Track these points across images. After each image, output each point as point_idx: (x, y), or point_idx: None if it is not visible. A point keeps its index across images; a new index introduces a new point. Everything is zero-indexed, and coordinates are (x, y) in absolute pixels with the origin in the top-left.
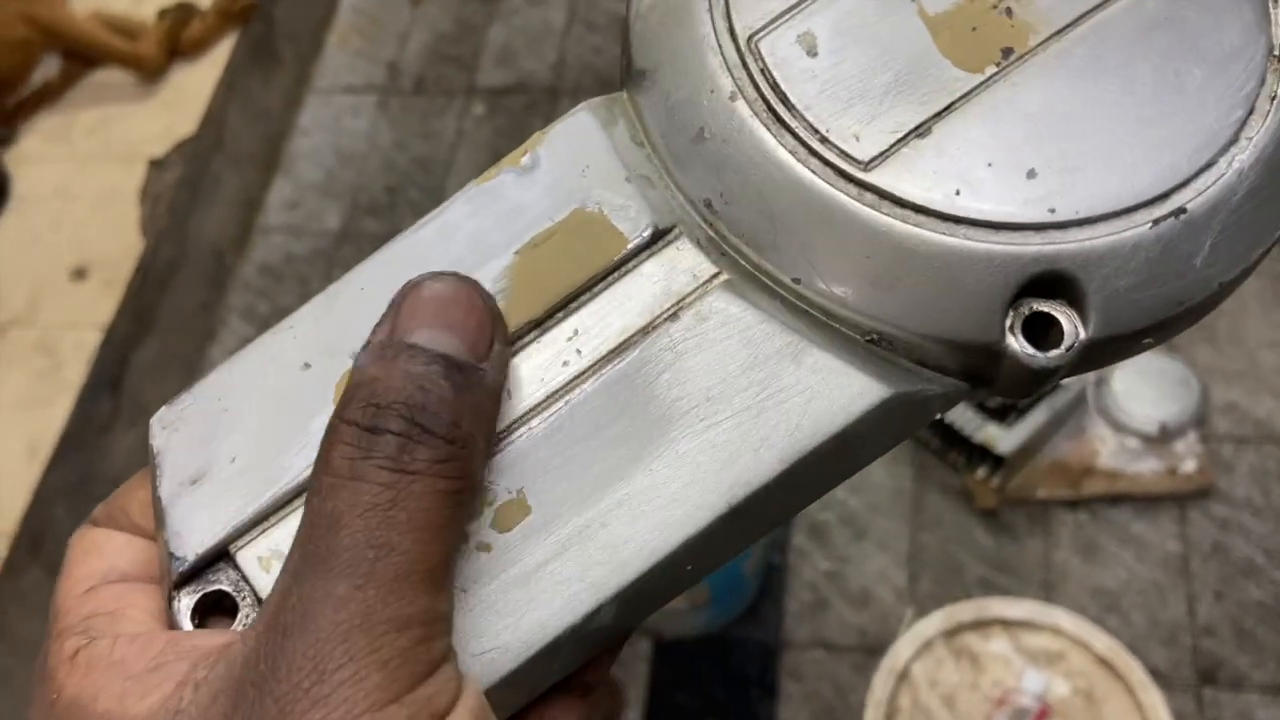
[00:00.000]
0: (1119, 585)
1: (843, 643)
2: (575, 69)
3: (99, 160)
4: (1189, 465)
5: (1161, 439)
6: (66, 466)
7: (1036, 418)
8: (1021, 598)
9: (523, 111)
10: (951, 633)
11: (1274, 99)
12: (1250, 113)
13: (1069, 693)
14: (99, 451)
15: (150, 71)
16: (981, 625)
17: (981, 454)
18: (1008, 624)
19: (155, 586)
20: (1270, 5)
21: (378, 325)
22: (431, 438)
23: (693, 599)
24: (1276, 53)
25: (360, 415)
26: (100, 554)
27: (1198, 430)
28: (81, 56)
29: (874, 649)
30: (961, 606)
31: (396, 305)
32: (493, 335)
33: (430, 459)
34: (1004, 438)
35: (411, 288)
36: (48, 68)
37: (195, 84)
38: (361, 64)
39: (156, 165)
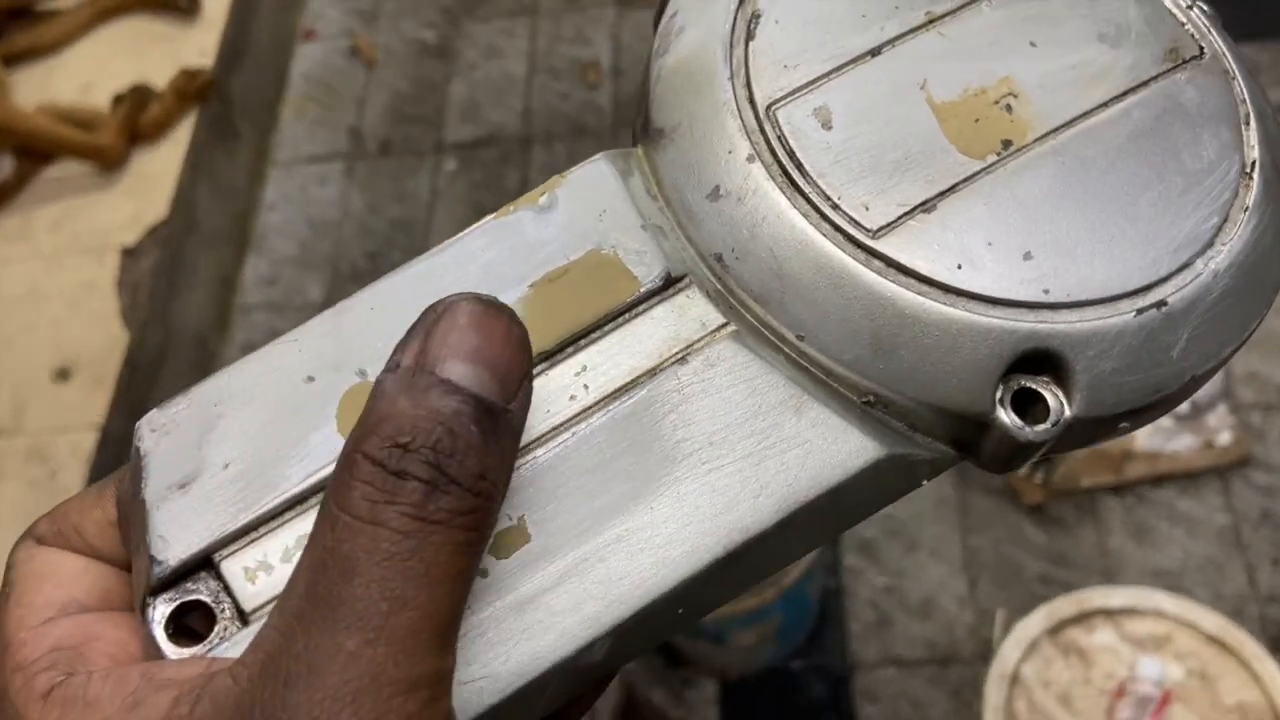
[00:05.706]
0: (1177, 564)
1: (912, 657)
2: (544, 116)
3: (68, 255)
4: (1224, 437)
5: (1193, 414)
6: None
7: None
8: (1120, 585)
9: (496, 163)
10: (1055, 630)
11: (1245, 210)
12: (1225, 220)
13: (1183, 675)
14: None
15: (111, 160)
16: (1084, 618)
17: None
18: (1110, 613)
19: (119, 614)
20: (1243, 127)
21: (405, 342)
22: (457, 488)
23: (760, 633)
24: (1248, 170)
25: (385, 455)
26: (56, 580)
27: (1226, 402)
28: (35, 153)
29: (945, 659)
30: (1061, 602)
31: (429, 326)
32: (523, 373)
33: (453, 510)
34: None
35: (447, 309)
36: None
37: (158, 167)
38: (321, 132)
39: (130, 254)
